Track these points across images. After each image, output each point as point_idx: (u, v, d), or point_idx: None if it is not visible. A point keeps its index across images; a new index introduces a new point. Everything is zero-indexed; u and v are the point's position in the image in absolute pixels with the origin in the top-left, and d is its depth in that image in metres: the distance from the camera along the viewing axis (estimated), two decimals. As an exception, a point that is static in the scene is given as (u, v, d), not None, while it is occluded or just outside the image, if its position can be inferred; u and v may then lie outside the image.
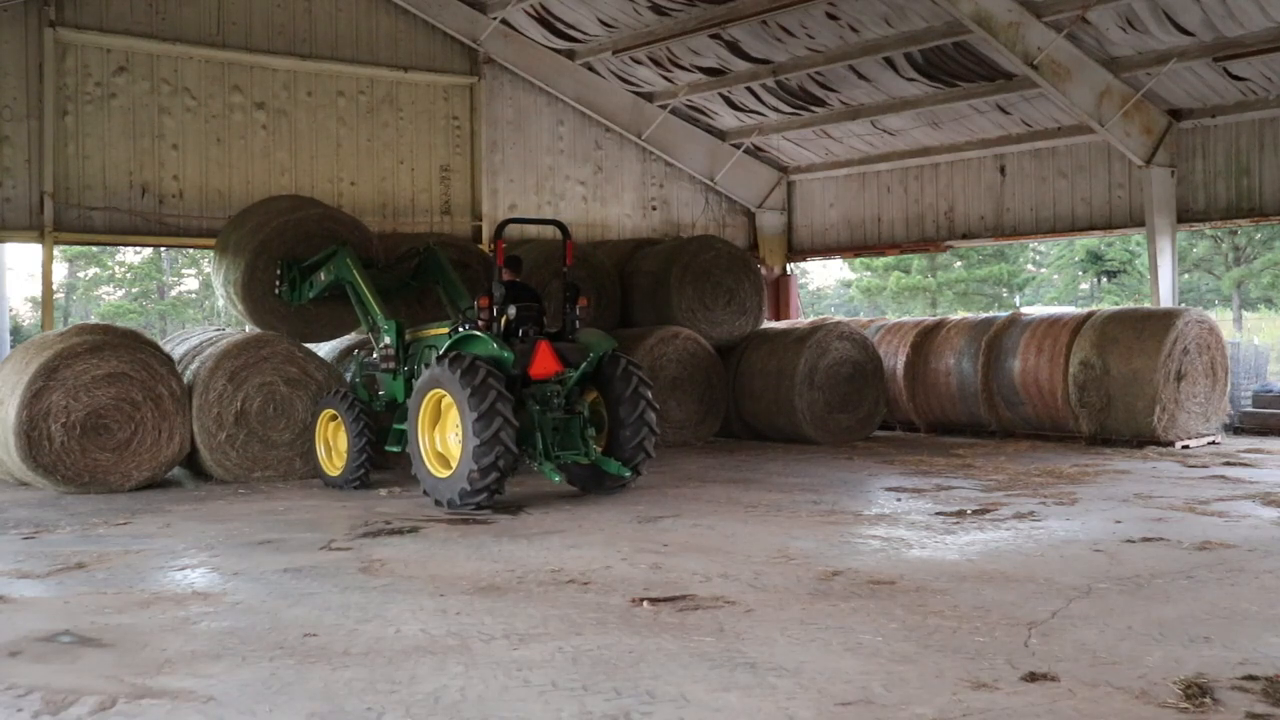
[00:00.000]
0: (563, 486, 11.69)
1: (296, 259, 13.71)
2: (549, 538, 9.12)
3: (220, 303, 15.39)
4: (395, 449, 12.02)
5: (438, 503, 10.73)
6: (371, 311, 12.57)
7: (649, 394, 11.36)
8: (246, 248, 13.97)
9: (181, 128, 16.85)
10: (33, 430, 11.86)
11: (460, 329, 11.20)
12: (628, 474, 11.28)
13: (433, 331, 11.99)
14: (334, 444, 12.60)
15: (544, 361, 10.91)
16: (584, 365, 11.14)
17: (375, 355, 12.47)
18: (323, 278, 13.31)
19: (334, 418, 12.52)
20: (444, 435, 10.89)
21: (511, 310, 11.07)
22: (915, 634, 6.06)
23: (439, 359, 10.86)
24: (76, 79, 16.11)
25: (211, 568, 8.14)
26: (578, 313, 11.53)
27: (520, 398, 10.86)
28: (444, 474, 10.67)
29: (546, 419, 10.98)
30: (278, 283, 13.77)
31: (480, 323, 11.04)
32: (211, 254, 15.85)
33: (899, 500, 10.96)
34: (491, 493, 10.40)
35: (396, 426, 11.97)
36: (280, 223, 14.08)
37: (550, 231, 18.18)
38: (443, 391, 10.66)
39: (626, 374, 11.30)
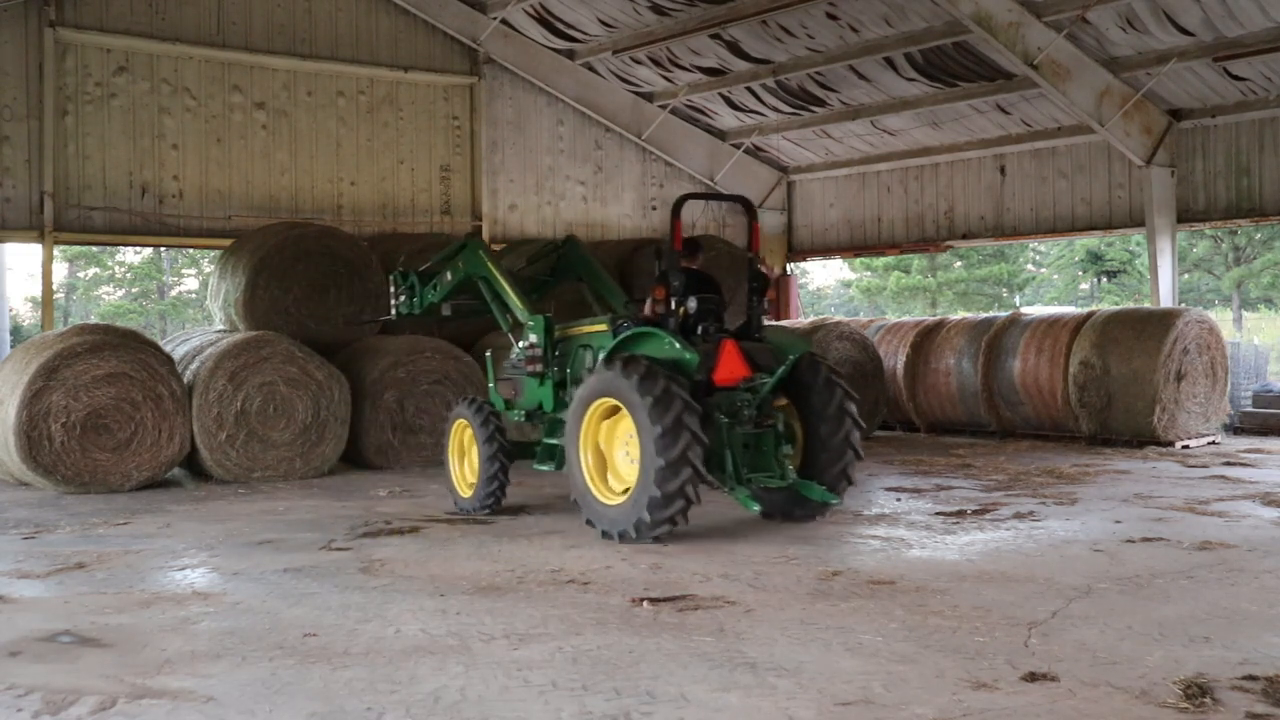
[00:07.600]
0: (563, 488, 10.35)
1: (410, 268, 11.86)
2: (549, 538, 9.11)
3: (216, 322, 15.34)
4: (545, 467, 10.12)
5: (605, 534, 8.88)
6: (512, 305, 10.69)
7: (854, 409, 9.43)
8: (245, 267, 14.29)
9: (181, 128, 16.86)
10: (33, 430, 11.86)
11: (625, 325, 9.49)
12: (834, 500, 9.35)
13: (588, 329, 10.10)
14: (470, 458, 10.65)
15: (730, 365, 9.09)
16: (780, 371, 9.17)
17: (516, 355, 10.55)
18: (449, 277, 11.27)
19: (469, 428, 10.62)
20: (610, 454, 9.13)
21: (691, 303, 9.28)
22: (915, 634, 6.05)
23: (607, 361, 9.05)
24: (76, 79, 16.12)
25: (211, 568, 8.14)
26: (765, 308, 9.79)
27: (705, 409, 8.85)
28: (613, 500, 8.88)
29: (736, 434, 9.01)
30: (394, 298, 11.88)
31: (647, 315, 9.41)
32: (210, 277, 15.97)
33: (899, 500, 10.96)
34: (674, 524, 8.66)
35: (547, 440, 10.13)
36: (278, 240, 14.48)
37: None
38: (613, 401, 8.86)
39: (829, 385, 9.38)
